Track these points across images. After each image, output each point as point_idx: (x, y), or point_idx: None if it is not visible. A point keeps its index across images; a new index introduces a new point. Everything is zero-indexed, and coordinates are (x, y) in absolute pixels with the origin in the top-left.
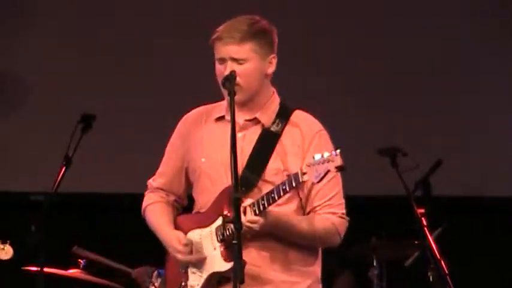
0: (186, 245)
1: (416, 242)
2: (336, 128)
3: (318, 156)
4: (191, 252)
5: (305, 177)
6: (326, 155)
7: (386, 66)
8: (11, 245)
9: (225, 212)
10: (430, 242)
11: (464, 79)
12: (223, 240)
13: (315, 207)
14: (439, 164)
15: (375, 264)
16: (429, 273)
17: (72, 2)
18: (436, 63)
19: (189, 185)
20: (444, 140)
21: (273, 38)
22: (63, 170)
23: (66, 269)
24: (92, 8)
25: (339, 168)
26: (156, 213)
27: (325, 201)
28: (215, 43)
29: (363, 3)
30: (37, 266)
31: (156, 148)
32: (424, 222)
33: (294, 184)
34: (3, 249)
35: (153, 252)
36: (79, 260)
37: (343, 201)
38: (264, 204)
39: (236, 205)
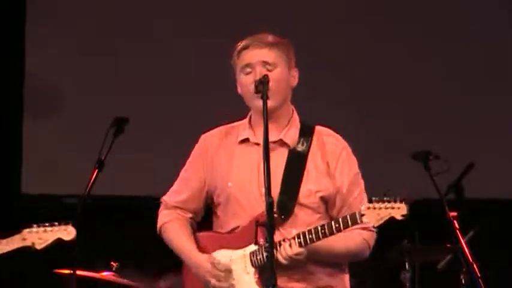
0: (221, 270)
1: (448, 245)
2: (368, 132)
3: (375, 200)
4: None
5: (365, 219)
6: (387, 199)
7: (419, 71)
8: (73, 225)
9: (261, 241)
10: (462, 245)
11: (497, 81)
12: (258, 267)
13: None
14: (471, 167)
15: (407, 267)
16: (462, 277)
17: (106, 7)
18: (469, 66)
19: (207, 204)
20: (476, 142)
21: (292, 51)
22: (96, 172)
23: (98, 271)
24: (127, 12)
25: (405, 217)
26: (177, 232)
27: None
28: (241, 52)
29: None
30: (69, 269)
31: (188, 152)
32: (457, 225)
33: (350, 224)
34: (65, 230)
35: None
36: (112, 263)
37: None
38: (312, 239)
39: (269, 208)
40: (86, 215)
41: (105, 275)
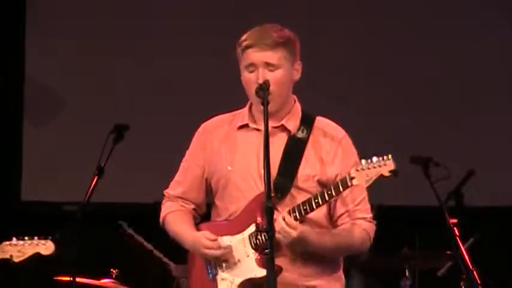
0: (214, 240)
1: (448, 252)
2: (367, 137)
3: (365, 162)
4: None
5: (354, 182)
6: (375, 159)
7: (421, 76)
8: (53, 241)
9: (259, 219)
10: (462, 252)
11: (498, 88)
12: (258, 247)
13: (344, 212)
14: (471, 175)
15: (407, 274)
16: (462, 284)
17: (108, 21)
18: (471, 74)
19: (208, 193)
20: (476, 150)
21: (297, 45)
22: (96, 179)
23: (98, 279)
24: (130, 27)
25: (393, 173)
26: (178, 220)
27: (354, 206)
28: (245, 51)
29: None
30: (69, 276)
31: None
32: (457, 233)
33: (341, 189)
34: (44, 244)
35: (185, 260)
36: (111, 270)
37: (369, 205)
38: (306, 209)
39: (269, 213)
40: (85, 222)
41: (105, 282)
